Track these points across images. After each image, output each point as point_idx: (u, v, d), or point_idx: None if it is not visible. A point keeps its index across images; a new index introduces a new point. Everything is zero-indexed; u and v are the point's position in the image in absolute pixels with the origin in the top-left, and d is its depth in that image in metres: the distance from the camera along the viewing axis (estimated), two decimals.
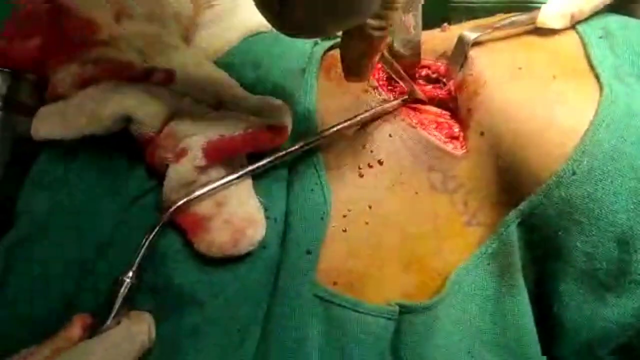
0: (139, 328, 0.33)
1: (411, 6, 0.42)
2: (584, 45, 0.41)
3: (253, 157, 0.38)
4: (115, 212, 0.37)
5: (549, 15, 0.42)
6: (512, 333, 0.40)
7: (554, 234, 0.38)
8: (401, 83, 0.43)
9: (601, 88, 0.38)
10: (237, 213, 0.35)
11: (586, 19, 0.43)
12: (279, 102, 0.40)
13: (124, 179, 0.38)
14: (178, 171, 0.35)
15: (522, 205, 0.39)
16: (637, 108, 0.37)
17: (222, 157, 0.36)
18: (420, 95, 0.43)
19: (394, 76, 0.42)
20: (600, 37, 0.42)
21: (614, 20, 0.43)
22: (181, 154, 0.35)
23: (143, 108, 0.36)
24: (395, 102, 0.42)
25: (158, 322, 0.35)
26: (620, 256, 0.37)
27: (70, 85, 0.38)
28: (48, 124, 0.37)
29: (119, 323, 0.33)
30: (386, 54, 0.40)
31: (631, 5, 0.47)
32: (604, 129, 0.36)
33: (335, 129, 0.39)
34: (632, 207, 0.36)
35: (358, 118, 0.40)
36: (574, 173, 0.36)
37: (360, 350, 0.37)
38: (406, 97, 0.42)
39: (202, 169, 0.36)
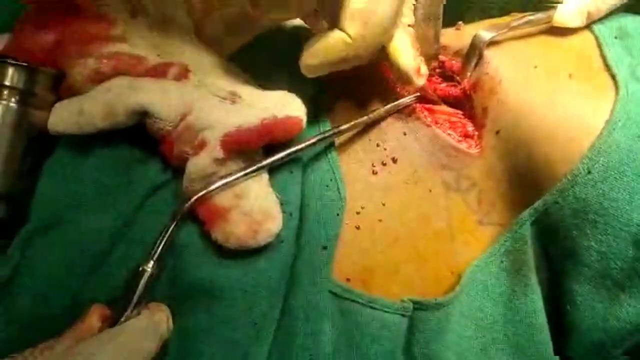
0: (160, 317, 0.34)
1: (431, 16, 0.42)
2: (599, 45, 0.41)
3: (268, 151, 0.38)
4: (130, 205, 0.38)
5: (566, 13, 0.42)
6: (525, 331, 0.40)
7: (568, 233, 0.38)
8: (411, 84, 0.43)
9: (617, 87, 0.38)
10: (255, 206, 0.35)
11: (601, 19, 0.43)
12: (292, 95, 0.40)
13: (140, 172, 0.38)
14: (197, 164, 0.35)
15: (537, 204, 0.39)
16: None
17: (240, 148, 0.36)
18: (432, 95, 0.43)
19: (402, 78, 0.42)
20: (616, 37, 0.42)
21: (630, 21, 0.43)
22: (200, 146, 0.35)
23: (159, 102, 0.36)
24: (408, 99, 0.42)
25: (175, 314, 0.35)
26: (636, 256, 0.37)
27: (87, 79, 0.38)
28: (64, 118, 0.37)
29: (139, 314, 0.33)
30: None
31: None
32: (619, 128, 0.36)
33: (350, 123, 0.39)
34: None
35: (373, 114, 0.40)
36: (589, 172, 0.36)
37: (373, 345, 0.37)
38: (418, 94, 0.42)
39: (220, 161, 0.36)
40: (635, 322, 0.37)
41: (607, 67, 0.40)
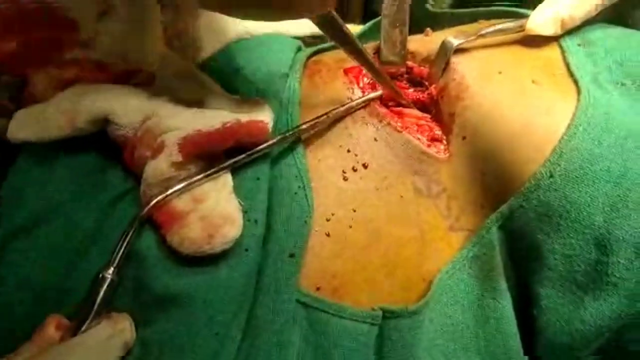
0: (123, 326, 0.33)
1: (398, 21, 0.43)
2: (563, 52, 0.42)
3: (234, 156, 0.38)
4: (95, 214, 0.37)
5: (538, 22, 0.42)
6: (495, 337, 0.40)
7: (533, 236, 0.39)
8: (382, 85, 0.43)
9: (579, 93, 0.39)
10: (214, 210, 0.35)
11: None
12: (261, 100, 0.40)
13: (104, 180, 0.38)
14: (155, 167, 0.35)
15: (503, 208, 0.39)
16: (614, 113, 0.38)
17: (199, 152, 0.36)
18: (402, 96, 0.43)
19: (374, 78, 0.42)
20: (579, 45, 0.43)
21: (593, 29, 0.44)
22: (158, 150, 0.35)
23: (120, 108, 0.35)
24: (372, 95, 0.42)
25: (138, 324, 0.34)
26: (597, 258, 0.37)
27: (49, 86, 0.38)
28: (25, 126, 0.37)
29: (99, 323, 0.33)
30: (368, 57, 0.40)
31: (625, 15, 0.47)
32: (581, 132, 0.37)
33: (311, 122, 0.39)
34: (608, 209, 0.36)
35: (333, 112, 0.40)
36: (551, 176, 0.37)
37: (342, 356, 0.36)
38: (381, 92, 0.43)
39: (179, 165, 0.35)
40: (598, 325, 0.37)
41: (570, 74, 0.41)
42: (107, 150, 0.38)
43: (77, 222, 0.37)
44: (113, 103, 0.35)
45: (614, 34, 0.44)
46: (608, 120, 0.37)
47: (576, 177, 0.37)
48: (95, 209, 0.37)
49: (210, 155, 0.37)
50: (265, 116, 0.38)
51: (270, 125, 0.38)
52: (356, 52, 0.39)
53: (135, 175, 0.37)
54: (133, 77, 0.39)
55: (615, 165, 0.36)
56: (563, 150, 0.37)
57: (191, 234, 0.34)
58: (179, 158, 0.35)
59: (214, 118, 0.36)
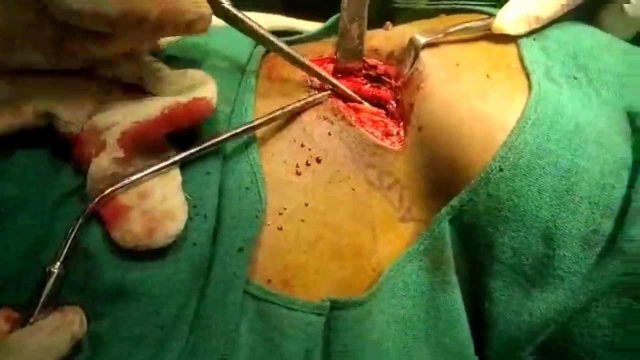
0: (72, 318, 0.34)
1: (357, 15, 0.43)
2: (518, 46, 0.42)
3: (185, 147, 0.38)
4: (46, 210, 0.37)
5: (505, 21, 0.42)
6: (446, 329, 0.41)
7: (483, 230, 0.39)
8: (324, 83, 0.43)
9: (530, 87, 0.39)
10: (157, 206, 0.35)
11: None
12: (200, 73, 0.39)
13: (55, 177, 0.38)
14: (98, 165, 0.35)
15: (453, 202, 0.40)
16: (564, 107, 0.38)
17: (140, 144, 0.36)
18: (348, 92, 0.43)
19: (315, 77, 0.43)
20: (534, 39, 0.43)
21: (550, 23, 0.44)
22: (100, 147, 0.35)
23: (65, 105, 0.35)
24: (325, 93, 0.42)
25: (88, 319, 0.35)
26: (545, 251, 0.37)
27: None
28: None
29: (48, 315, 0.33)
30: (298, 56, 0.41)
31: (590, 15, 0.47)
32: (529, 126, 0.37)
33: (266, 118, 0.39)
34: (555, 203, 0.37)
35: (287, 108, 0.40)
36: (500, 170, 0.37)
37: (290, 346, 0.37)
38: (330, 91, 0.43)
39: (122, 161, 0.35)
40: (545, 316, 0.38)
41: (524, 67, 0.41)
42: (60, 146, 0.38)
43: (28, 219, 0.37)
44: (57, 99, 0.35)
45: (569, 28, 0.44)
46: (557, 115, 0.38)
47: (524, 171, 0.37)
48: (45, 207, 0.37)
49: (155, 145, 0.37)
50: (208, 91, 0.37)
51: (214, 102, 0.37)
52: (277, 49, 0.40)
53: (83, 173, 0.37)
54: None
55: (563, 160, 0.37)
56: (512, 145, 0.37)
57: (132, 229, 0.34)
58: (120, 154, 0.35)
59: (152, 106, 0.36)
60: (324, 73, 0.42)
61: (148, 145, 0.36)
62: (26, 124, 0.36)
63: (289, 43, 0.43)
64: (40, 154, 0.38)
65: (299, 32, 0.53)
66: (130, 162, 0.35)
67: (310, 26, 0.56)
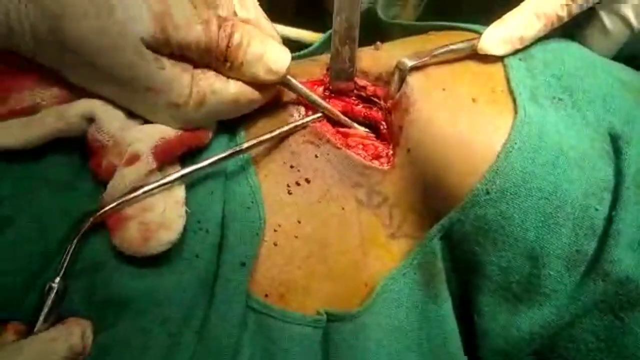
0: (70, 330, 0.35)
1: (348, 38, 0.44)
2: (505, 67, 0.43)
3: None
4: (63, 231, 0.38)
5: (489, 42, 0.42)
6: (438, 340, 0.43)
7: (472, 248, 0.40)
8: (316, 107, 0.44)
9: (516, 110, 0.40)
10: (155, 218, 0.37)
11: None
12: None
13: (72, 198, 0.39)
14: (127, 175, 0.37)
15: (443, 221, 0.41)
16: (547, 130, 0.39)
17: (167, 158, 0.39)
18: (339, 115, 0.44)
19: (307, 101, 0.44)
20: (520, 59, 0.43)
21: (534, 42, 0.45)
22: (132, 159, 0.37)
23: (106, 110, 0.38)
24: (317, 115, 0.44)
25: (95, 331, 0.37)
26: (531, 270, 0.39)
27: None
28: (6, 132, 0.37)
29: (49, 327, 0.35)
30: (294, 81, 0.42)
31: (573, 34, 0.48)
32: (515, 150, 0.38)
33: (256, 141, 0.41)
34: (540, 225, 0.38)
35: (276, 132, 0.42)
36: (487, 193, 0.39)
37: (287, 358, 0.39)
38: (321, 114, 0.44)
39: (152, 172, 0.38)
40: (531, 331, 0.40)
41: (510, 91, 0.41)
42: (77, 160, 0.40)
43: (43, 233, 0.38)
44: (100, 106, 0.38)
45: (554, 46, 0.45)
46: (541, 138, 0.39)
47: (511, 194, 0.38)
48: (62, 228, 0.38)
49: (173, 161, 0.40)
50: None
51: (210, 134, 0.41)
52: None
53: (101, 182, 0.38)
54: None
55: (547, 184, 0.38)
56: (499, 169, 0.38)
57: (128, 236, 0.36)
58: (154, 165, 0.38)
59: (165, 128, 0.39)
60: (314, 97, 0.43)
61: (172, 159, 0.39)
62: (69, 125, 0.37)
63: None
64: (59, 167, 0.40)
65: (290, 39, 0.55)
66: (154, 173, 0.38)
67: (301, 34, 0.58)
